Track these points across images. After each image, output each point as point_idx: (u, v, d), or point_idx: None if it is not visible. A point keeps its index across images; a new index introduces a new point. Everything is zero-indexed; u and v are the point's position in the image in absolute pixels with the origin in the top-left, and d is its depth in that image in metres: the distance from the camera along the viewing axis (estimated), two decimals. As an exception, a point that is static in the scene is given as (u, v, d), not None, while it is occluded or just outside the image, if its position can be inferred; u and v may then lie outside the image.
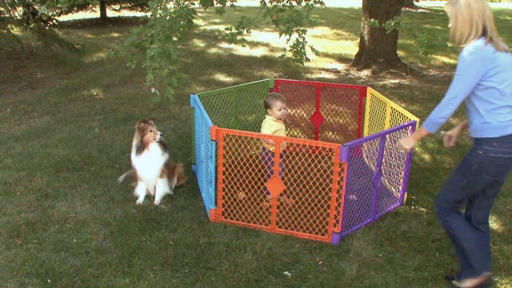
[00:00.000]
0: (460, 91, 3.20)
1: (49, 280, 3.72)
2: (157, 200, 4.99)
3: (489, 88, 3.18)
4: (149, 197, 5.09)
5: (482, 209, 3.51)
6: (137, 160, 4.96)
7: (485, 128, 3.22)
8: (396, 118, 5.06)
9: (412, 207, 4.90)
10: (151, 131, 4.90)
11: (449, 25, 3.30)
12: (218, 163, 4.48)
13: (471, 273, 3.54)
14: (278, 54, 11.01)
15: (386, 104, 5.26)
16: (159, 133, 4.92)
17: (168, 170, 5.11)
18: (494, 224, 4.58)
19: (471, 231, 3.53)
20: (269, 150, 4.70)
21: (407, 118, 4.78)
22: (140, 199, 5.01)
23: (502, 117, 3.19)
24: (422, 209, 4.86)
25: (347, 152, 3.98)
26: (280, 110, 4.87)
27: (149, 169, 4.95)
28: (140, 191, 5.06)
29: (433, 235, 4.38)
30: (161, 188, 5.05)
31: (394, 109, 5.08)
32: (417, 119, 4.65)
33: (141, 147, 4.90)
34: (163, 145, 5.03)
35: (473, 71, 3.14)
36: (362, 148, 6.15)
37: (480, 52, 3.12)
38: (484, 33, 3.16)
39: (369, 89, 5.86)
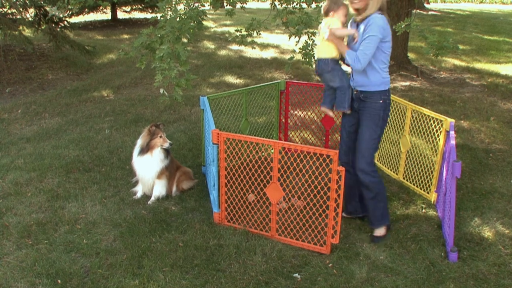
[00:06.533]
0: (372, 49, 3.88)
1: (59, 281, 3.74)
2: (152, 199, 5.03)
3: (384, 50, 3.94)
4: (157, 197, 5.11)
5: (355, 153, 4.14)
6: (137, 160, 5.03)
7: (382, 82, 4.01)
8: (417, 121, 5.25)
9: (423, 210, 4.87)
10: (161, 137, 4.95)
11: None
12: (220, 167, 4.47)
13: (382, 223, 4.33)
14: (288, 56, 11.01)
15: (406, 107, 5.32)
16: (168, 142, 4.96)
17: (169, 173, 5.13)
18: (505, 228, 4.54)
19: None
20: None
21: (433, 119, 4.97)
22: (138, 195, 5.12)
23: (387, 74, 4.07)
24: (433, 212, 4.83)
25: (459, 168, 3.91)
26: (345, 16, 4.19)
27: (147, 171, 5.01)
28: (139, 187, 5.18)
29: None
30: (158, 189, 5.07)
31: (416, 111, 5.23)
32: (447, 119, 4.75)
33: (145, 149, 4.97)
34: (167, 151, 5.07)
35: (381, 33, 3.86)
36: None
37: (386, 21, 3.91)
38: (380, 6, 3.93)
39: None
